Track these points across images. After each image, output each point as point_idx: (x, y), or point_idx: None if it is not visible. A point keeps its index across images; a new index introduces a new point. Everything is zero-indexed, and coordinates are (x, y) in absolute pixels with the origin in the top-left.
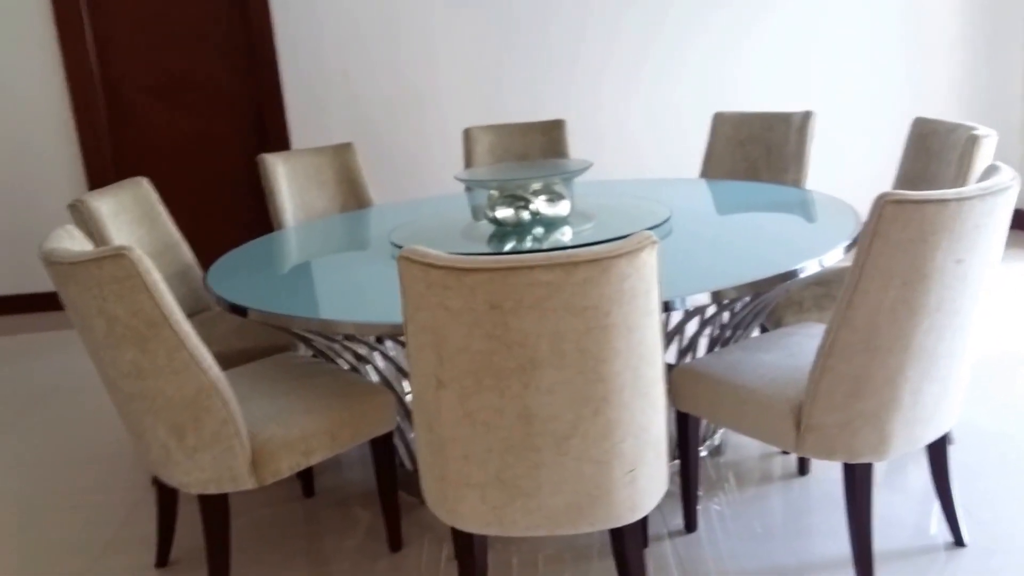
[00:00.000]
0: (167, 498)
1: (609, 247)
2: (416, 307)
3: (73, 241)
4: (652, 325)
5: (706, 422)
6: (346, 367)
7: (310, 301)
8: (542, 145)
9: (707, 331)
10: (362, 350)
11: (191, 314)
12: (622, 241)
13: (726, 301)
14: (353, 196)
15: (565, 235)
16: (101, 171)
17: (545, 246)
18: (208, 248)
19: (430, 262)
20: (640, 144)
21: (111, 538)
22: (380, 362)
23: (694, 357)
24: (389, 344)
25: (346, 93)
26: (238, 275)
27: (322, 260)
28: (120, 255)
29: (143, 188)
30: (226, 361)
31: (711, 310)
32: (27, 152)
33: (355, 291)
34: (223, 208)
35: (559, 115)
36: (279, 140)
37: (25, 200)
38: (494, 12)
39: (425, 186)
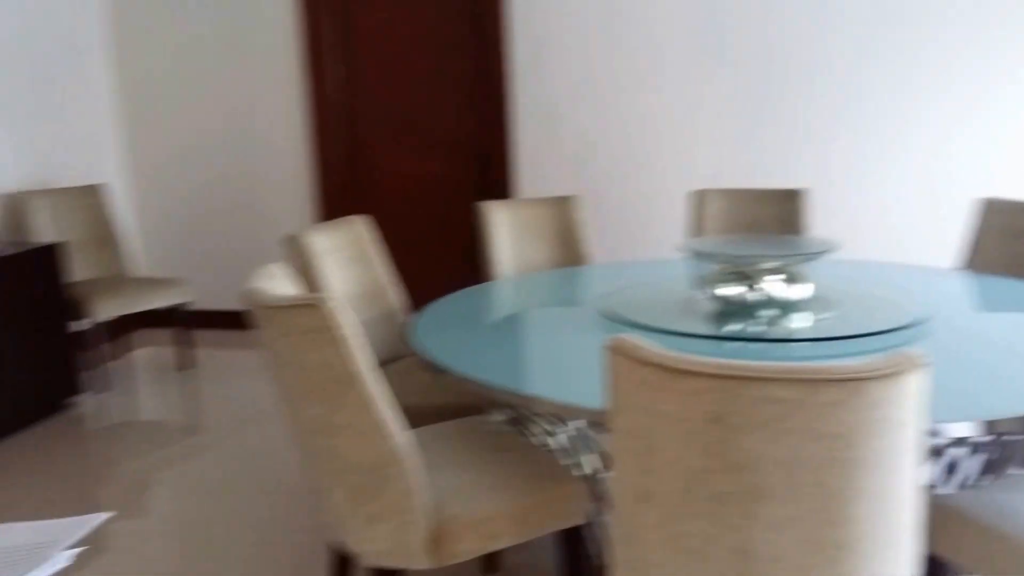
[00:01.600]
0: (341, 562)
1: (863, 365)
2: (623, 405)
3: (273, 282)
4: (908, 465)
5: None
6: (538, 438)
7: (509, 369)
8: (777, 215)
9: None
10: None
11: (393, 360)
12: (879, 358)
13: (1002, 434)
14: (571, 251)
15: (800, 323)
16: (329, 204)
17: (774, 334)
18: (419, 290)
19: (642, 357)
20: (890, 224)
21: None
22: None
23: (957, 481)
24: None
25: (577, 145)
26: (443, 327)
27: (530, 320)
28: (315, 305)
29: (359, 228)
30: (420, 416)
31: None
32: (263, 178)
33: (560, 362)
34: (440, 251)
35: (798, 183)
36: (502, 188)
37: (257, 223)
38: (741, 68)
39: (648, 247)
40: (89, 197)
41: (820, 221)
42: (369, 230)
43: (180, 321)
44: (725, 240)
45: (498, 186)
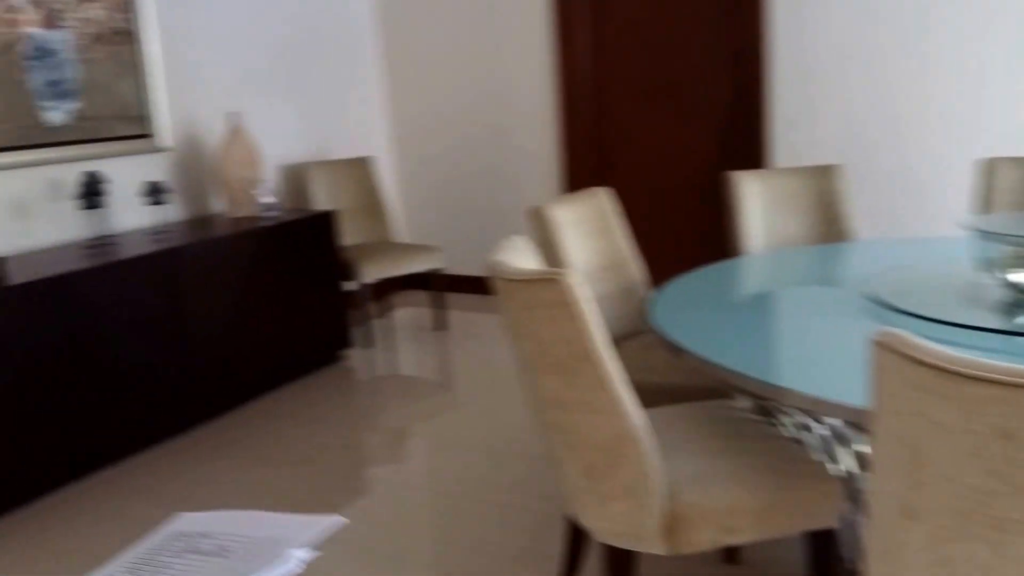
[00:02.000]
0: (576, 534)
1: None
2: (889, 408)
3: (518, 255)
4: None
5: None
6: (788, 429)
7: (757, 355)
8: None
9: None
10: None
11: (633, 335)
12: None
13: None
14: (832, 226)
15: None
16: (575, 173)
17: None
18: (661, 264)
19: (917, 356)
20: None
21: (522, 548)
22: (826, 431)
23: None
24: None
25: (839, 112)
26: (685, 304)
27: (782, 302)
28: (555, 280)
29: (601, 199)
30: (659, 396)
31: None
32: (513, 149)
33: (815, 351)
34: (685, 224)
35: None
36: (755, 158)
37: (507, 192)
38: None
39: (921, 223)
40: (360, 168)
41: None
42: (611, 202)
43: (435, 285)
44: (1020, 217)
45: (751, 155)
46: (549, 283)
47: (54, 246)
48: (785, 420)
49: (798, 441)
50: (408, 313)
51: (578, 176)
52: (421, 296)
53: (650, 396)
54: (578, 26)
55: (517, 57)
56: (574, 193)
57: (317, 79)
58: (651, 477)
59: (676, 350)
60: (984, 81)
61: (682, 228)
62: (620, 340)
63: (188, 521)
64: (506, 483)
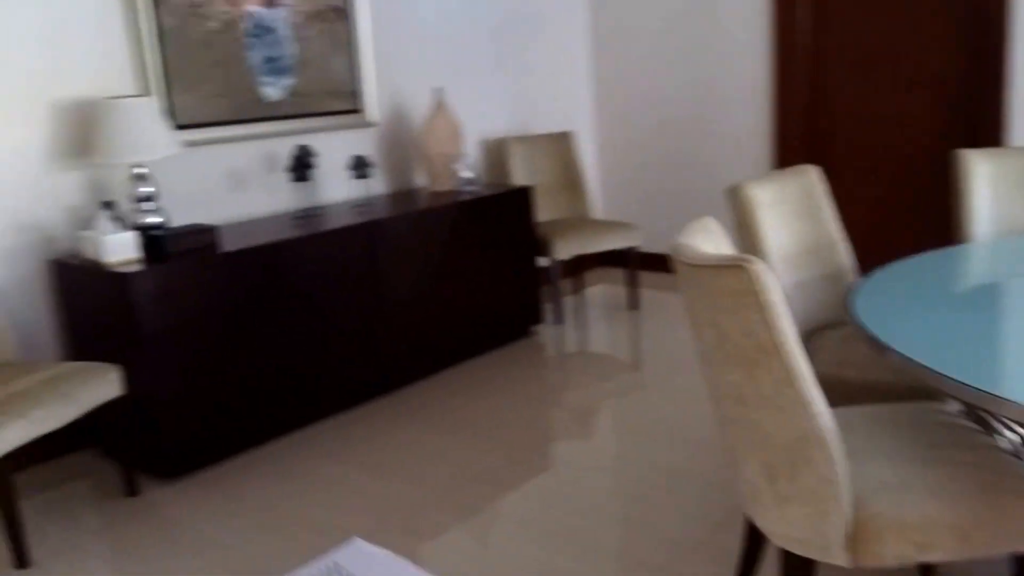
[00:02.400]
0: (753, 534)
1: None
2: None
3: (707, 237)
4: None
5: None
6: (1006, 443)
7: (973, 358)
8: None
9: None
10: None
11: (835, 325)
12: None
13: None
14: None
15: None
16: (785, 152)
17: None
18: (873, 249)
19: None
20: None
21: (700, 541)
22: None
23: None
24: None
25: None
26: (894, 295)
27: (1008, 297)
28: (740, 266)
29: (809, 178)
30: (857, 393)
31: None
32: (720, 125)
33: None
34: (903, 204)
35: None
36: (989, 135)
37: (711, 170)
38: None
39: None
40: (560, 143)
41: None
42: (820, 181)
43: (629, 262)
44: None
45: (984, 132)
46: (734, 270)
47: (265, 216)
48: (1003, 431)
49: (1016, 455)
50: (600, 290)
51: (788, 155)
52: (615, 274)
53: (846, 393)
54: (796, 4)
55: (732, 32)
56: (778, 171)
57: (524, 53)
58: (836, 483)
59: (878, 346)
60: None
61: (900, 211)
62: (819, 330)
63: (353, 555)
64: (689, 471)
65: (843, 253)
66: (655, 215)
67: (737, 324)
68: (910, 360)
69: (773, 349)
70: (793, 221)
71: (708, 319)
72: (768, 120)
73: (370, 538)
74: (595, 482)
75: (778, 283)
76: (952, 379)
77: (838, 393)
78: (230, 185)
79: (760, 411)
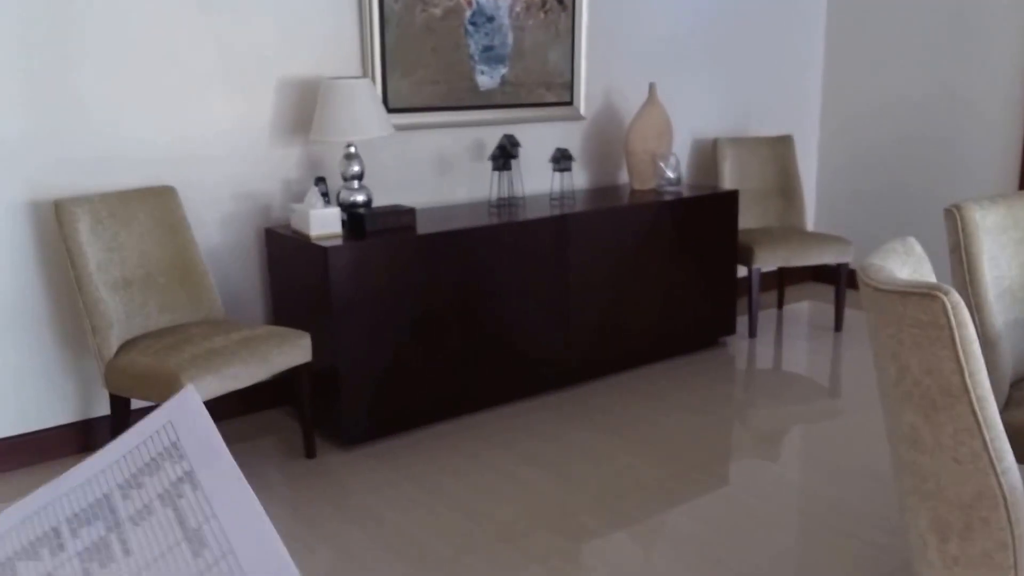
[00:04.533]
0: None
1: None
2: None
3: (905, 260)
4: None
5: None
6: None
7: None
8: None
9: None
10: None
11: None
12: None
13: None
14: None
15: None
16: None
17: None
18: None
19: None
20: None
21: None
22: None
23: None
24: None
25: None
26: None
27: None
28: (932, 295)
29: None
30: None
31: None
32: (959, 143)
33: None
34: None
35: None
36: None
37: (943, 190)
38: None
39: None
40: (777, 148)
41: None
42: None
43: (838, 280)
44: None
45: None
46: (924, 299)
47: (465, 202)
48: None
49: None
50: (804, 306)
51: None
52: (822, 290)
53: None
54: None
55: (985, 32)
56: (1012, 193)
57: (745, 50)
58: (1014, 550)
59: None
60: None
61: None
62: None
63: (184, 415)
64: (867, 514)
65: None
66: (873, 231)
67: (921, 360)
68: None
69: (960, 393)
70: (1022, 251)
71: (890, 350)
72: (1018, 142)
73: (514, 530)
74: (765, 511)
75: (975, 320)
76: None
77: None
78: (435, 170)
79: (936, 460)
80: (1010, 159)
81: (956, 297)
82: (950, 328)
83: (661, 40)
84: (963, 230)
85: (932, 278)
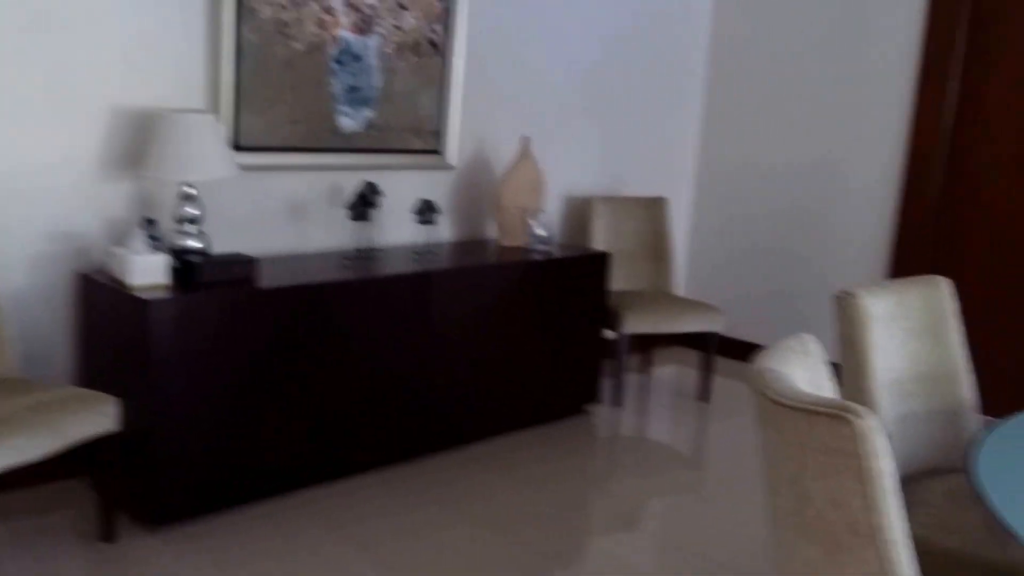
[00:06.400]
0: None
1: None
2: None
3: (803, 360)
4: None
5: None
6: None
7: None
8: None
9: None
10: None
11: (942, 472)
12: None
13: None
14: None
15: None
16: (908, 257)
17: None
18: (1005, 385)
19: None
20: None
21: None
22: None
23: None
24: None
25: None
26: (1016, 460)
27: None
28: (841, 418)
29: (939, 291)
30: (960, 568)
31: None
32: (832, 216)
33: None
34: None
35: None
36: None
37: (813, 263)
38: None
39: None
40: (651, 209)
41: None
42: (948, 296)
43: (706, 348)
44: None
45: None
46: (833, 421)
47: (318, 252)
48: None
49: None
50: (670, 372)
51: (911, 261)
52: (690, 356)
53: (946, 566)
54: (948, 79)
55: (865, 111)
56: (902, 280)
57: (623, 108)
58: None
59: (999, 524)
60: None
61: None
62: (923, 476)
63: None
64: None
65: (966, 386)
66: (744, 300)
67: (825, 490)
68: None
69: (868, 533)
70: (910, 340)
71: (788, 474)
72: (892, 217)
73: None
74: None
75: (886, 445)
76: None
77: (937, 566)
78: (288, 216)
79: None
80: (881, 233)
81: (870, 422)
82: (861, 457)
83: (539, 92)
84: (854, 319)
85: (829, 385)
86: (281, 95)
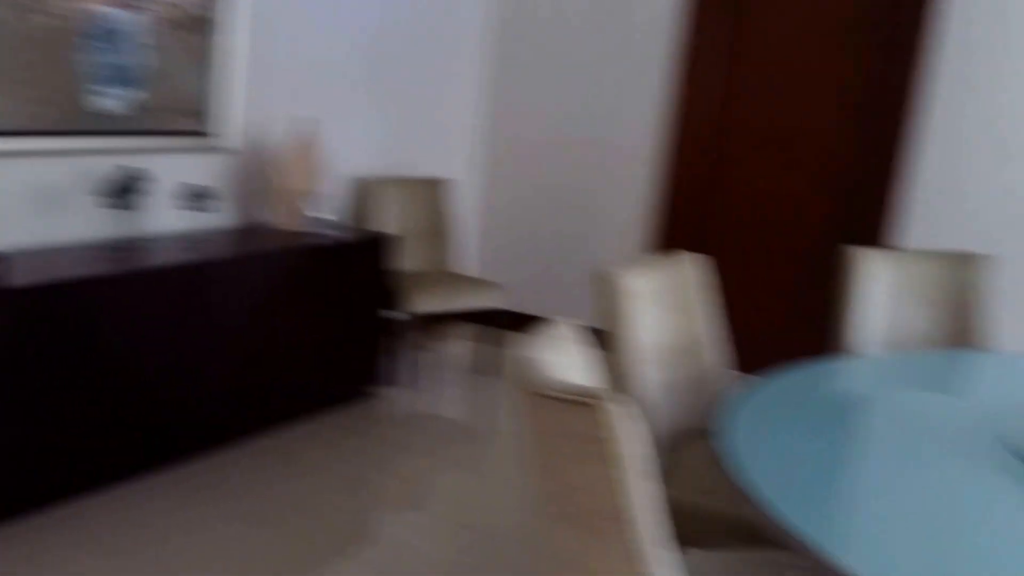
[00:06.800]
0: None
1: None
2: None
3: (562, 346)
4: None
5: None
6: None
7: (836, 512)
8: None
9: None
10: None
11: (704, 434)
12: None
13: None
14: (967, 328)
15: None
16: (676, 229)
17: None
18: (762, 349)
19: None
20: None
21: None
22: None
23: None
24: None
25: (992, 194)
26: (766, 418)
27: (891, 436)
28: (590, 405)
29: (685, 268)
30: (725, 530)
31: None
32: (606, 187)
33: (924, 523)
34: (792, 302)
35: None
36: (877, 232)
37: (592, 235)
38: None
39: None
40: (433, 190)
41: None
42: (698, 272)
43: (495, 323)
44: None
45: (874, 230)
46: (582, 409)
47: (77, 244)
48: None
49: None
50: (458, 349)
51: (677, 233)
52: (481, 332)
53: (705, 529)
54: (708, 62)
55: (633, 90)
56: (664, 254)
57: (410, 88)
58: None
59: (735, 482)
60: None
61: (788, 309)
62: (686, 439)
63: None
64: (512, 554)
65: (712, 355)
66: (532, 275)
67: (578, 476)
68: (765, 506)
69: (617, 516)
70: (667, 314)
71: (544, 461)
72: (657, 194)
73: None
74: (420, 551)
75: (637, 428)
76: (806, 540)
77: (696, 528)
78: (36, 206)
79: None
80: (648, 214)
81: (619, 409)
82: (607, 443)
83: (323, 72)
84: (613, 297)
85: (586, 369)
86: (24, 74)
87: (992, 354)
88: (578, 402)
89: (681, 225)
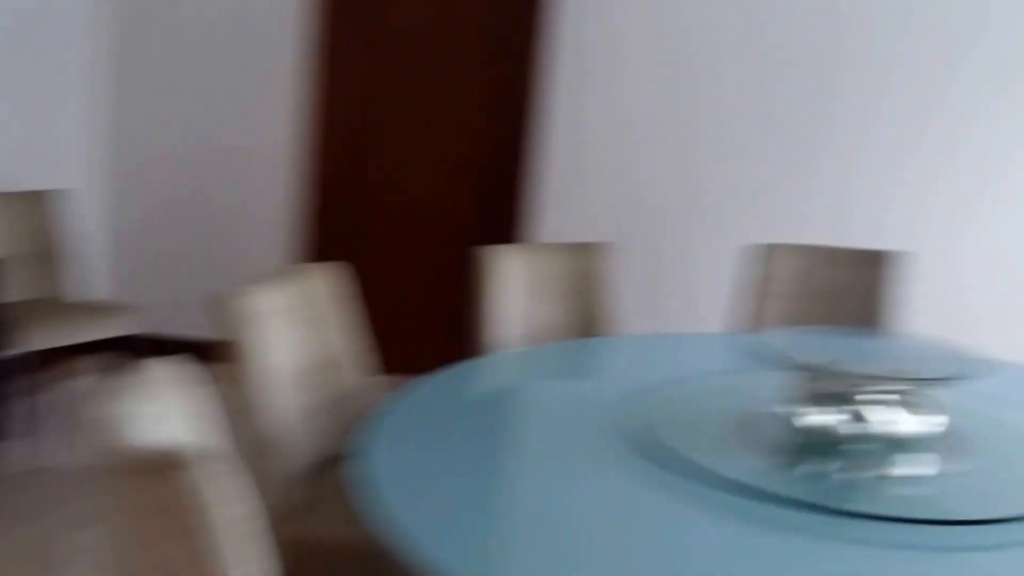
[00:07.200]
0: None
1: None
2: None
3: (152, 393)
4: None
5: None
6: None
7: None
8: (858, 283)
9: None
10: None
11: (336, 457)
12: None
13: None
14: (590, 317)
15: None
16: (326, 235)
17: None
18: (407, 359)
19: None
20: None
21: None
22: None
23: None
24: None
25: (616, 182)
26: (401, 432)
27: (527, 434)
28: (161, 473)
29: (314, 281)
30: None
31: None
32: (244, 196)
33: (556, 526)
34: (437, 307)
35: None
36: (511, 228)
37: (233, 246)
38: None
39: (694, 313)
40: (36, 204)
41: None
42: (331, 283)
43: (129, 351)
44: (805, 334)
45: (509, 227)
46: (152, 478)
47: None
48: None
49: None
50: (89, 386)
51: (324, 239)
52: (114, 363)
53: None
54: (346, 55)
55: (264, 95)
56: (312, 262)
57: (16, 81)
58: None
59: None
60: (759, 167)
61: (435, 311)
62: (330, 470)
63: None
64: None
65: (350, 372)
66: (174, 296)
67: (162, 556)
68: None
69: None
70: (295, 332)
71: (126, 540)
72: (303, 200)
73: None
74: None
75: (234, 487)
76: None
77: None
78: None
79: None
80: (291, 220)
81: (201, 471)
82: (192, 511)
83: None
84: (235, 318)
85: (188, 420)
86: None
87: (617, 339)
88: (150, 471)
89: (328, 230)
